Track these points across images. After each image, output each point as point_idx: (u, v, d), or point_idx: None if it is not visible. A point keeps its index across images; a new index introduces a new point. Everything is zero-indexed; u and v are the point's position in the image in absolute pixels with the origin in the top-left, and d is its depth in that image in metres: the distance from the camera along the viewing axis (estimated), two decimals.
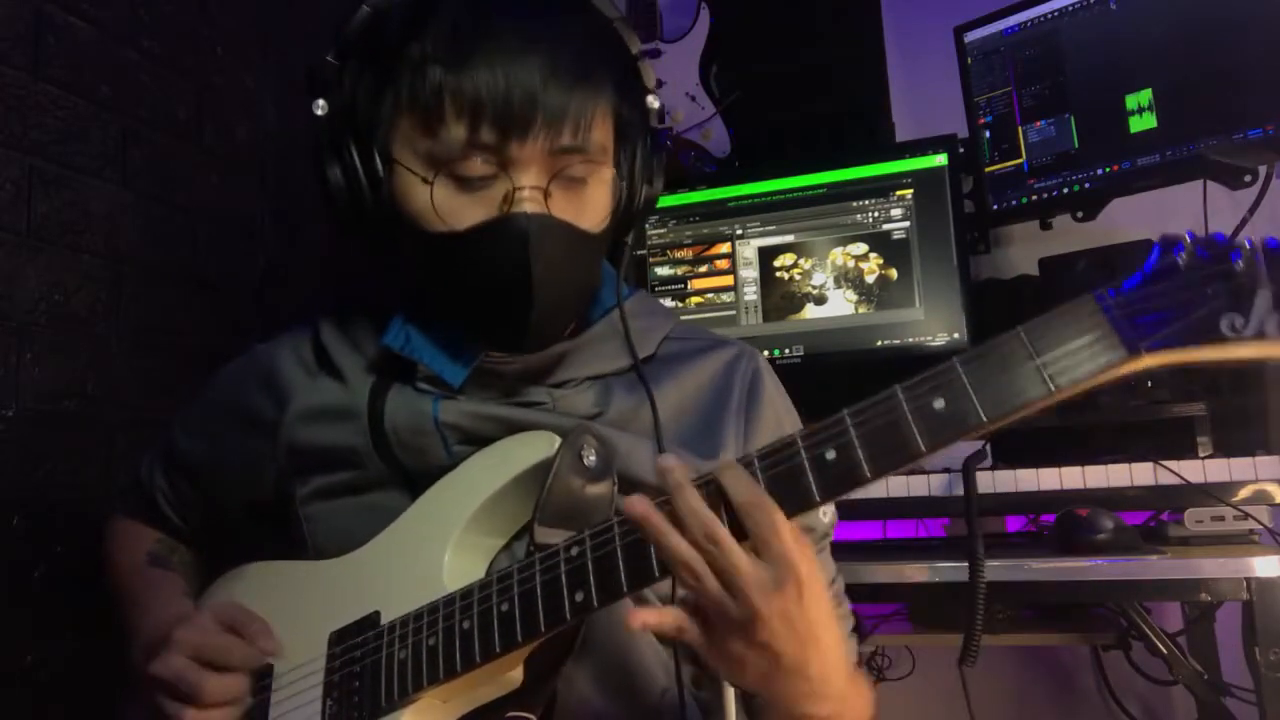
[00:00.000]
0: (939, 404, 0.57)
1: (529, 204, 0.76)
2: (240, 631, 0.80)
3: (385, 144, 0.80)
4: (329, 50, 0.82)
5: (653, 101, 0.85)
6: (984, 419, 0.57)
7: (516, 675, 0.74)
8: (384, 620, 0.76)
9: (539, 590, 0.67)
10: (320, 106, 0.81)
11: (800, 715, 0.64)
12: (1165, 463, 1.25)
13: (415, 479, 0.83)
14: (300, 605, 0.82)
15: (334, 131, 0.81)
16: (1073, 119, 1.52)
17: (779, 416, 0.90)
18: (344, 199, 0.81)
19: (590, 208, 0.80)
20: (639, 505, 0.60)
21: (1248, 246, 0.53)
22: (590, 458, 0.75)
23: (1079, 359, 0.55)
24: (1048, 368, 0.56)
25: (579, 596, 0.65)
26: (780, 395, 0.92)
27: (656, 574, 0.63)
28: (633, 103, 0.84)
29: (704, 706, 0.84)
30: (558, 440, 0.76)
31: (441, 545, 0.77)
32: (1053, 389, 0.56)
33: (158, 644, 0.79)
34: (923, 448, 0.57)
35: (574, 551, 0.66)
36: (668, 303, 1.69)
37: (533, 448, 0.77)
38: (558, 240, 0.77)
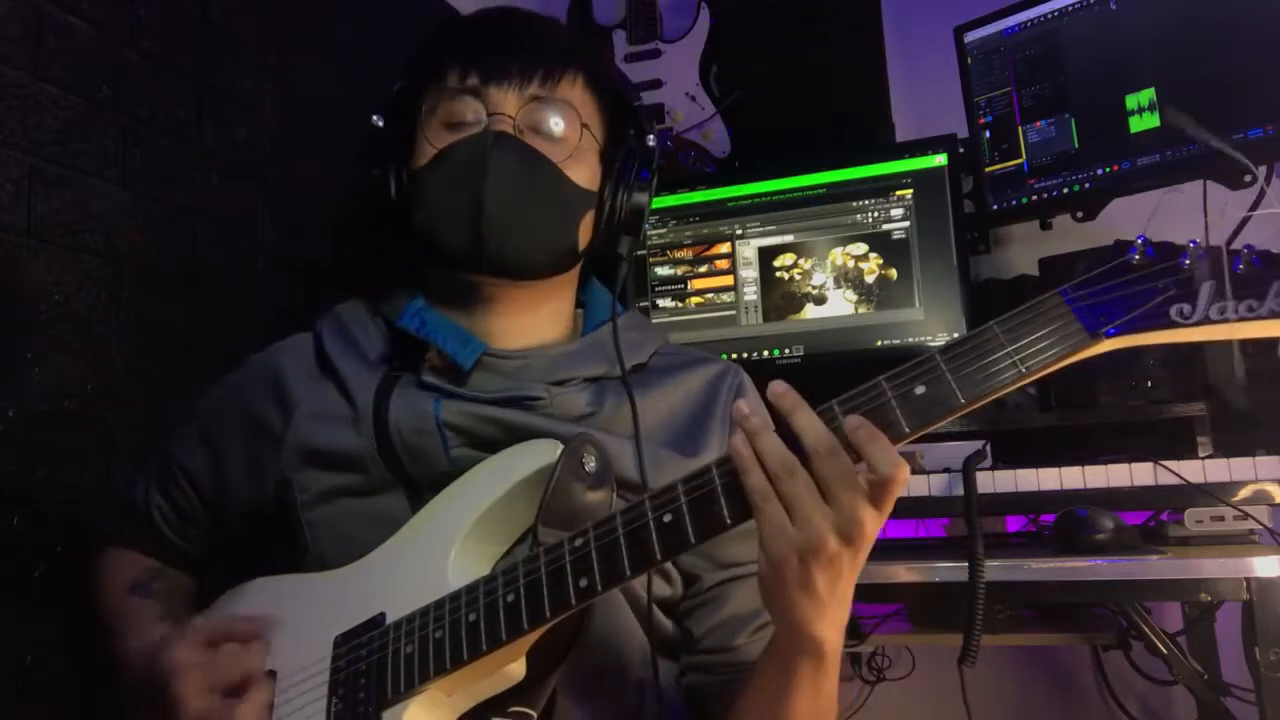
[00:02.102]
0: (920, 390, 0.63)
1: (497, 125, 0.88)
2: (233, 639, 0.79)
3: (414, 132, 0.93)
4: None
5: (651, 141, 0.97)
6: (962, 400, 0.63)
7: (519, 668, 0.75)
8: (389, 620, 0.77)
9: (544, 579, 0.69)
10: (378, 120, 0.95)
11: (813, 636, 0.67)
12: (1165, 463, 1.25)
13: (416, 484, 0.85)
14: (304, 614, 0.83)
15: (386, 138, 0.94)
16: (1073, 119, 1.52)
17: None
18: (380, 183, 0.91)
19: (562, 154, 0.90)
20: (738, 443, 0.65)
21: (1192, 246, 0.61)
22: (591, 464, 0.77)
23: (1046, 345, 0.62)
24: (1019, 353, 0.62)
25: (583, 582, 0.68)
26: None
27: (659, 556, 0.66)
28: (621, 117, 0.97)
29: (690, 695, 0.86)
30: (560, 447, 0.78)
31: (446, 550, 0.78)
32: (1023, 371, 0.62)
33: (145, 688, 0.78)
34: (906, 429, 0.63)
35: (578, 543, 0.69)
36: (667, 303, 1.69)
37: (535, 455, 0.79)
38: (516, 152, 0.87)
